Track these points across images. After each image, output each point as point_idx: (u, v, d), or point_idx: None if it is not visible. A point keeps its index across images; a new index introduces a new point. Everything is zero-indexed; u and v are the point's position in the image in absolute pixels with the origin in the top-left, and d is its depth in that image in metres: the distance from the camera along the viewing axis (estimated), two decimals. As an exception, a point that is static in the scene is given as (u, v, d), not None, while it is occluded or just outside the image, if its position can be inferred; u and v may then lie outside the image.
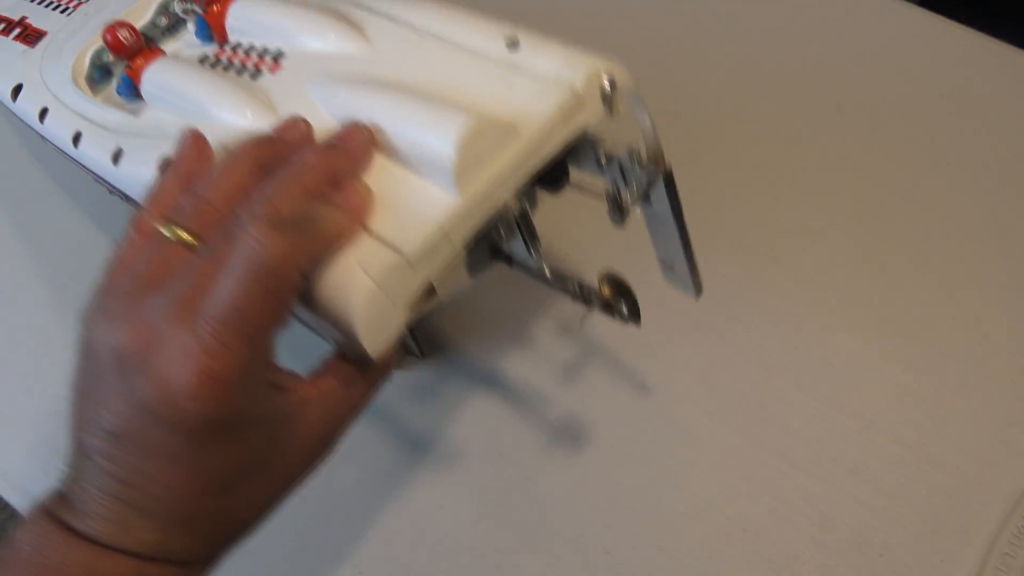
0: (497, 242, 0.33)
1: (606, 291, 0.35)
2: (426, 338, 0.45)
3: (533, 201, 0.36)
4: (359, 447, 0.42)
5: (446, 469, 0.42)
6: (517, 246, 0.32)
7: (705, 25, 0.59)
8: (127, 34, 0.39)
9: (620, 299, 0.35)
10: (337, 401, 0.31)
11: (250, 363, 0.26)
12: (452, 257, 0.30)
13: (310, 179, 0.29)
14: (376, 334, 0.29)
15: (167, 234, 0.28)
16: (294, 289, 0.27)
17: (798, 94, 0.54)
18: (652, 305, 0.46)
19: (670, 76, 0.54)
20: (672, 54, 0.57)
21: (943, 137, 0.51)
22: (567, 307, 0.45)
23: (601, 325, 0.44)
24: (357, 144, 0.31)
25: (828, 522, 0.39)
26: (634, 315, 0.35)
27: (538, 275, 0.36)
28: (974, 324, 0.44)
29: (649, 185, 0.31)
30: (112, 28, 0.39)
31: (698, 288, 0.36)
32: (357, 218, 0.29)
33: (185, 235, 0.28)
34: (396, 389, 0.44)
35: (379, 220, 0.30)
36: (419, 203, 0.30)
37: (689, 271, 0.35)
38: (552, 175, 0.34)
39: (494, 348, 0.45)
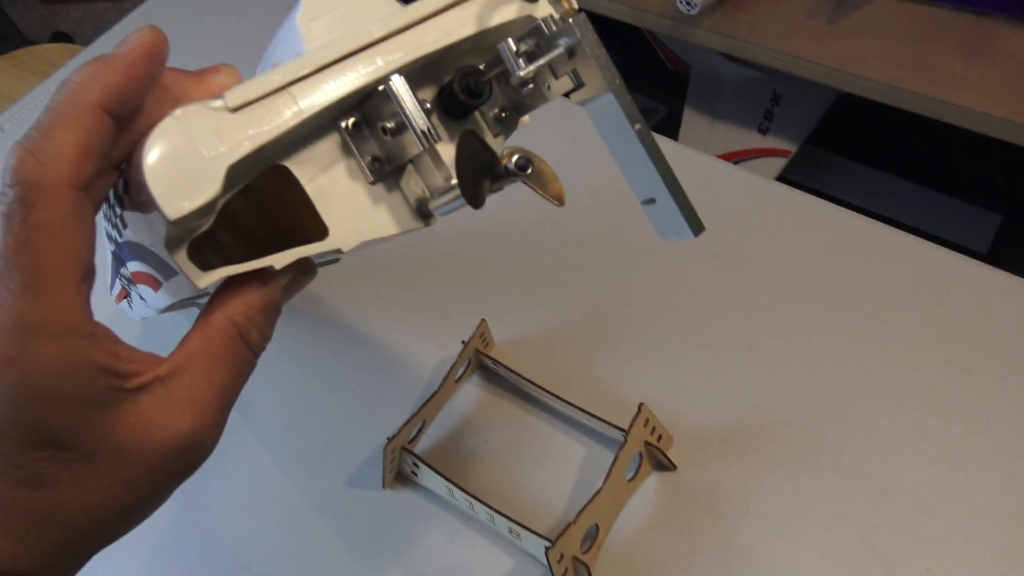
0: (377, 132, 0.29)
1: (506, 155, 0.28)
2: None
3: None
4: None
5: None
6: (404, 138, 0.28)
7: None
8: None
9: (513, 157, 0.28)
10: (194, 385, 0.25)
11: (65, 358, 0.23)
12: (296, 121, 0.26)
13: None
14: (173, 184, 0.24)
15: None
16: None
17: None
18: (791, 501, 0.48)
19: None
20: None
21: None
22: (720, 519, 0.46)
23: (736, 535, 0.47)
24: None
25: None
26: (523, 166, 0.27)
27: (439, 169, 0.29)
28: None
29: (571, 50, 0.26)
30: None
31: (694, 223, 0.28)
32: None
33: None
34: None
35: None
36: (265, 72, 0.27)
37: (672, 198, 0.27)
38: (463, 90, 0.29)
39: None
